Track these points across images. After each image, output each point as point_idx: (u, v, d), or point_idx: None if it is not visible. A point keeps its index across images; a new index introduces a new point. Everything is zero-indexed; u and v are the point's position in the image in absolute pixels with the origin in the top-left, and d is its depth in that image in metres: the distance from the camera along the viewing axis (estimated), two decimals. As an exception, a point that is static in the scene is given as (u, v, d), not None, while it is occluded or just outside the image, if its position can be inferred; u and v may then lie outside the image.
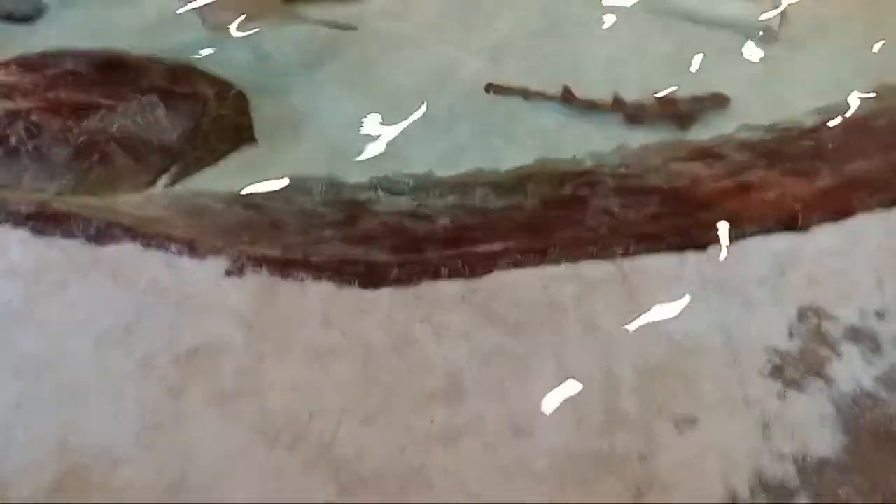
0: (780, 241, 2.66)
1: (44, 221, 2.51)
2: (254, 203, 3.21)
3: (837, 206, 2.80)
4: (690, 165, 3.53)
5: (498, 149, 3.62)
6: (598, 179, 3.48)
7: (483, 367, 2.23)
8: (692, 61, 4.24)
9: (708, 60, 4.30)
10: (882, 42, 3.88)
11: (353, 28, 3.82)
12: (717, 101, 3.73)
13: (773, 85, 3.94)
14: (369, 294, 2.39)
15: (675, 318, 2.39)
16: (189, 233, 2.63)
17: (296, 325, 2.28)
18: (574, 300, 2.39)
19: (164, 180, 3.19)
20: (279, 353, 2.21)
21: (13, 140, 2.92)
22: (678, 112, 3.67)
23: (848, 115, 3.55)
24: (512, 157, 3.61)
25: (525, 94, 3.72)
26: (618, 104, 3.69)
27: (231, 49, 3.79)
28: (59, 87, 3.22)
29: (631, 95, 3.98)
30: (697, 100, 3.71)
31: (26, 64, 3.27)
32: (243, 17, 3.55)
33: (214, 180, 3.29)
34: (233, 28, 3.54)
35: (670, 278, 2.48)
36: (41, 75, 3.24)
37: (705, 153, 3.63)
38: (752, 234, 2.69)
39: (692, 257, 2.55)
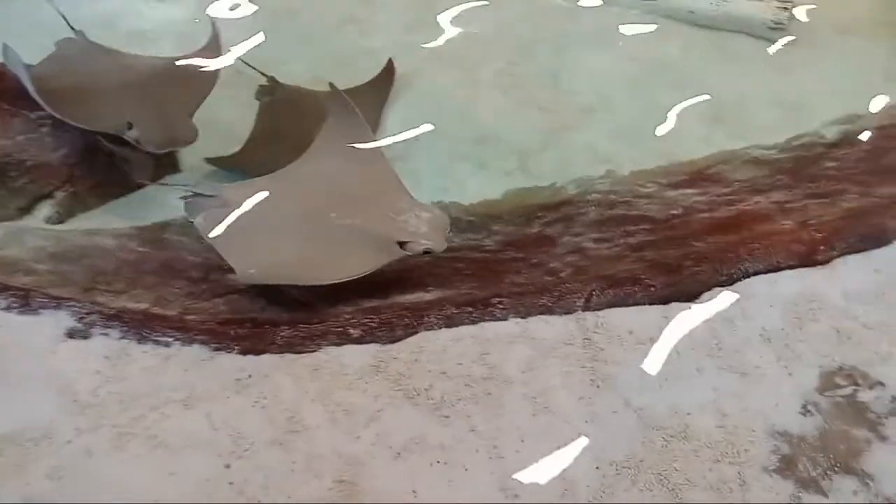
0: (794, 282, 2.09)
1: None
2: (156, 238, 2.67)
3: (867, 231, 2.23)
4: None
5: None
6: (579, 212, 2.88)
7: (391, 467, 1.64)
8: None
9: (715, 66, 3.77)
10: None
11: None
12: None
13: (786, 93, 3.39)
14: (251, 363, 1.82)
15: (654, 394, 1.79)
16: (40, 281, 2.08)
17: (146, 408, 1.71)
18: (521, 371, 1.81)
19: (45, 211, 2.65)
20: (115, 446, 1.64)
21: None
22: None
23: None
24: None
25: None
26: None
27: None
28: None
29: (627, 108, 3.43)
30: None
31: None
32: None
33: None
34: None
35: (648, 339, 1.90)
36: None
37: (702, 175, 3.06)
38: (757, 273, 2.09)
39: (678, 311, 1.96)
